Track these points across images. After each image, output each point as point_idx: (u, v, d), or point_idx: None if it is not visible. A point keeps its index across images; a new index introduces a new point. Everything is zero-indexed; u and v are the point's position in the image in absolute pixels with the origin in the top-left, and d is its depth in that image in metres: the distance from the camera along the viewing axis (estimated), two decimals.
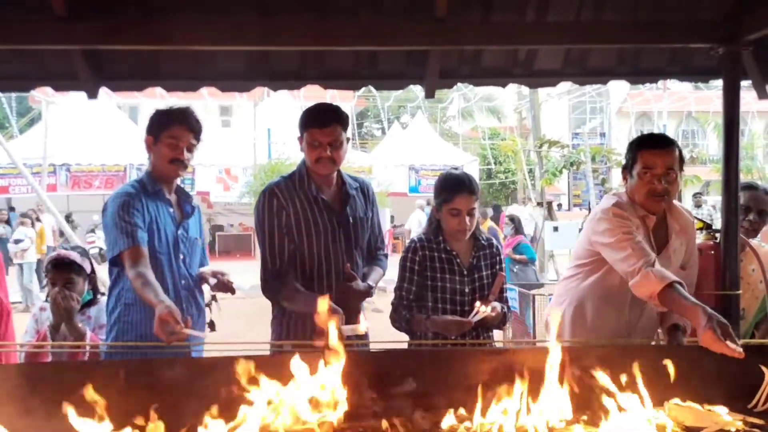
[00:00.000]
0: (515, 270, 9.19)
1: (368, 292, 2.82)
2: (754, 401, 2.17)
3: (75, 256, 3.02)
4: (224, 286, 2.89)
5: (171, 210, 2.86)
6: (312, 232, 2.80)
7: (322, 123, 2.71)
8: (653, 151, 2.66)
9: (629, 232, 2.59)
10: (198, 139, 2.83)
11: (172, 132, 2.76)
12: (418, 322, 2.87)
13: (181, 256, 2.86)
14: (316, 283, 2.80)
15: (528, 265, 9.54)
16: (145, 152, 2.87)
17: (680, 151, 2.71)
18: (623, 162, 2.82)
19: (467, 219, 2.87)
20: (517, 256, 9.49)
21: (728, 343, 2.09)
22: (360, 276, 2.88)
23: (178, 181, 2.95)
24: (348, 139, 2.84)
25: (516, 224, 10.11)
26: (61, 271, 2.95)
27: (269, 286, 2.81)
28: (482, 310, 2.78)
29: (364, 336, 2.66)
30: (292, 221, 2.79)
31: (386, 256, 3.14)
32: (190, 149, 2.81)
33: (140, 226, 2.69)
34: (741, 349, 2.09)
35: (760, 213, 3.29)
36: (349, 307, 2.71)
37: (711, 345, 2.13)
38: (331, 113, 2.74)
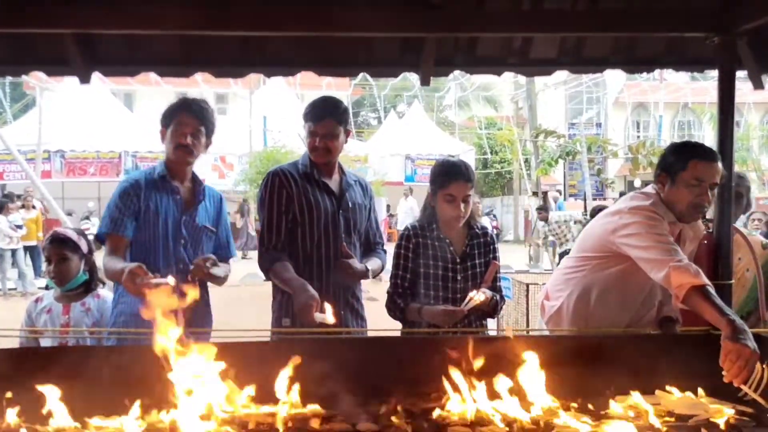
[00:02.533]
0: None
1: (365, 274, 2.94)
2: (744, 390, 2.17)
3: (71, 233, 3.16)
4: (201, 272, 2.80)
5: (177, 197, 2.94)
6: (313, 212, 2.94)
7: (317, 116, 2.92)
8: (708, 164, 2.60)
9: (662, 233, 2.54)
10: (206, 126, 2.93)
11: (179, 119, 2.89)
12: (411, 311, 2.89)
13: (182, 241, 2.92)
14: (314, 262, 2.93)
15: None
16: (158, 141, 3.02)
17: (721, 166, 2.66)
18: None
19: (462, 206, 2.88)
20: None
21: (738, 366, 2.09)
22: (359, 260, 2.99)
23: (195, 168, 3.04)
24: (347, 132, 3.02)
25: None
26: (57, 247, 3.06)
27: (263, 260, 2.93)
28: (475, 298, 2.78)
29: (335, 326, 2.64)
30: (294, 201, 2.93)
31: (385, 251, 3.21)
32: (196, 135, 2.90)
33: (129, 216, 2.84)
34: (749, 392, 2.09)
35: (735, 195, 3.23)
36: (345, 285, 2.93)
37: (729, 354, 2.12)
38: (326, 108, 2.94)
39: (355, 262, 2.91)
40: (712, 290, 2.35)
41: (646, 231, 2.54)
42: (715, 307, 2.28)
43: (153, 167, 3.01)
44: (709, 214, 2.89)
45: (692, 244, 2.83)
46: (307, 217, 2.93)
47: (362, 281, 3.10)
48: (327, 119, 2.92)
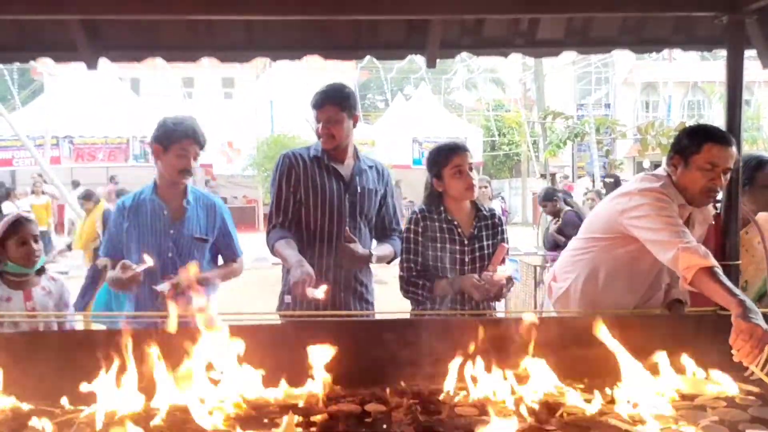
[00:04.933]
0: None
1: (368, 258, 2.97)
2: (750, 369, 2.18)
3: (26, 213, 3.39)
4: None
5: (164, 213, 3.08)
6: (318, 194, 3.00)
7: (318, 103, 3.01)
8: (722, 147, 2.56)
9: (672, 215, 2.52)
10: (203, 148, 3.11)
11: (183, 145, 3.01)
12: (440, 286, 2.90)
13: (169, 254, 3.04)
14: (317, 243, 3.00)
15: None
16: (152, 158, 3.15)
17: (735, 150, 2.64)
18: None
19: (470, 174, 2.94)
20: None
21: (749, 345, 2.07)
22: (366, 245, 3.03)
23: (190, 181, 3.19)
24: (355, 117, 3.06)
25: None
26: (30, 227, 3.17)
27: (270, 238, 3.01)
28: (499, 271, 2.82)
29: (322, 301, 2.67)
30: (301, 182, 3.01)
31: (400, 238, 3.16)
32: (196, 158, 3.08)
33: (120, 239, 3.09)
34: (758, 372, 2.09)
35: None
36: (348, 269, 2.97)
37: (741, 334, 2.10)
38: (327, 94, 3.01)
39: (358, 247, 2.92)
40: (720, 271, 2.34)
41: (656, 213, 2.52)
42: (724, 288, 2.27)
43: (141, 190, 3.17)
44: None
45: (702, 227, 2.82)
46: (311, 199, 2.99)
47: (373, 266, 3.12)
48: (327, 105, 2.98)
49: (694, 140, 2.61)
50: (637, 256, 2.68)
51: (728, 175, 2.62)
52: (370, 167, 3.17)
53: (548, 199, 7.49)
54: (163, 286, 2.79)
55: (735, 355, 2.12)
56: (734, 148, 2.59)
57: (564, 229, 7.20)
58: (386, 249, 3.12)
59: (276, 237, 2.95)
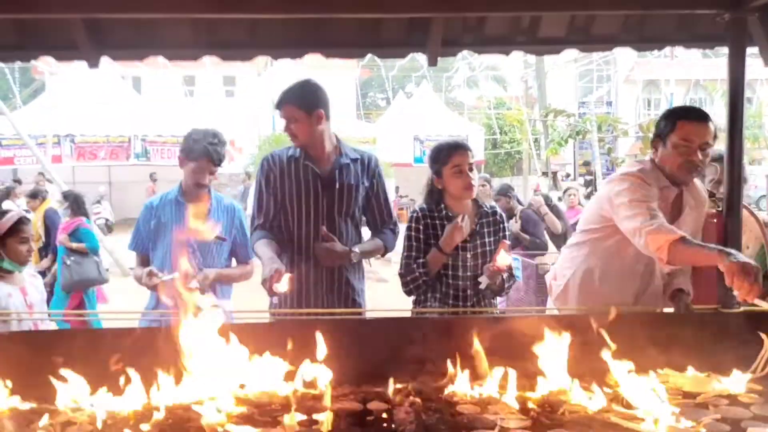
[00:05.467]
0: (69, 263, 6.74)
1: (347, 255, 2.93)
2: (753, 367, 2.18)
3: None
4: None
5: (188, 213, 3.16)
6: (294, 195, 3.02)
7: (277, 104, 3.04)
8: (693, 123, 2.65)
9: (646, 196, 2.59)
10: (220, 165, 3.35)
11: (199, 164, 3.27)
12: (433, 257, 2.93)
13: (191, 250, 3.11)
14: (296, 243, 3.01)
15: (88, 256, 6.89)
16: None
17: (714, 128, 2.69)
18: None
19: (470, 174, 2.95)
20: (74, 245, 6.90)
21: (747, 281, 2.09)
22: (350, 243, 3.00)
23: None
24: (318, 114, 2.98)
25: (73, 202, 7.26)
26: (28, 226, 3.35)
27: (251, 238, 3.11)
28: (499, 261, 2.84)
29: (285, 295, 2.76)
30: (278, 184, 3.04)
31: (394, 231, 3.18)
32: (213, 173, 3.35)
33: (147, 235, 3.36)
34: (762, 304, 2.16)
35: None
36: (329, 267, 2.96)
37: (736, 274, 2.12)
38: (285, 94, 3.03)
39: (336, 245, 2.91)
40: (690, 238, 2.41)
41: (629, 199, 2.59)
42: (701, 248, 2.37)
43: (171, 190, 3.43)
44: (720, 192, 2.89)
45: (695, 211, 2.83)
46: (288, 199, 3.02)
47: (372, 263, 3.11)
48: (285, 105, 3.00)
49: (669, 120, 2.71)
50: (625, 244, 2.71)
51: (707, 151, 2.67)
52: (355, 160, 3.10)
53: (502, 193, 7.39)
54: (170, 277, 2.81)
55: (739, 294, 2.14)
56: (710, 125, 2.66)
57: (526, 227, 7.25)
58: (372, 244, 3.09)
59: (256, 238, 3.00)
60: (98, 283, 7.00)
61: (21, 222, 3.26)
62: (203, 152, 3.25)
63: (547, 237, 7.65)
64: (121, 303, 7.22)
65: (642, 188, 2.61)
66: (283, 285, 2.60)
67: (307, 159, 3.03)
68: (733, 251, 2.24)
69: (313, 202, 3.00)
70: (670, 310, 2.81)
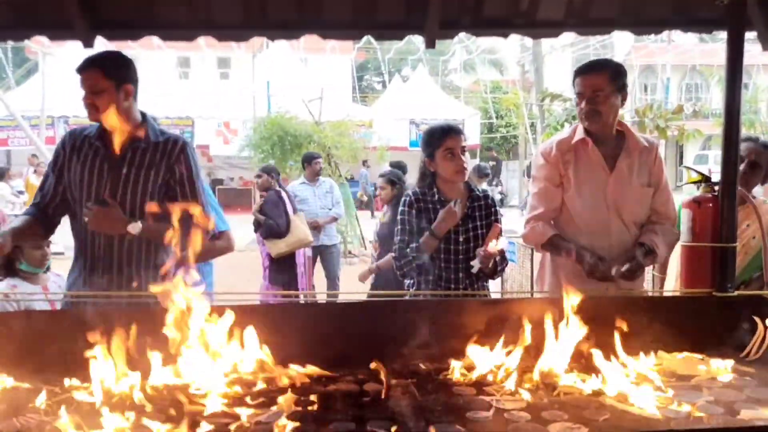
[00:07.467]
0: None
1: (123, 223, 2.62)
2: (746, 350, 2.20)
3: None
4: None
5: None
6: (77, 176, 2.72)
7: (80, 67, 2.64)
8: (581, 77, 2.90)
9: (541, 177, 2.96)
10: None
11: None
12: (426, 242, 2.94)
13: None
14: (80, 227, 2.74)
15: None
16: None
17: (618, 73, 2.90)
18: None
19: (462, 157, 2.97)
20: None
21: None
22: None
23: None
24: (126, 88, 2.69)
25: None
26: None
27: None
28: (491, 246, 2.86)
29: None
30: (65, 163, 2.77)
31: (210, 233, 2.45)
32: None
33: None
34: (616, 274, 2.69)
35: (752, 165, 3.28)
36: (105, 233, 2.68)
37: (589, 276, 2.72)
38: (91, 58, 2.66)
39: (113, 210, 2.60)
40: (556, 240, 2.87)
41: (533, 179, 3.03)
42: (567, 245, 2.81)
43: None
44: (716, 177, 2.88)
45: (632, 155, 2.94)
46: (71, 181, 2.74)
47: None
48: (89, 70, 2.63)
49: (574, 78, 2.94)
50: (565, 214, 2.96)
51: (600, 98, 2.84)
52: (156, 144, 2.76)
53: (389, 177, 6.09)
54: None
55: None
56: (600, 75, 2.86)
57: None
58: (163, 225, 2.26)
59: (22, 214, 2.80)
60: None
61: None
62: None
63: None
64: None
65: (542, 169, 2.97)
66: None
67: (99, 139, 2.72)
68: (581, 251, 2.78)
69: (96, 187, 2.69)
70: (668, 293, 2.82)
